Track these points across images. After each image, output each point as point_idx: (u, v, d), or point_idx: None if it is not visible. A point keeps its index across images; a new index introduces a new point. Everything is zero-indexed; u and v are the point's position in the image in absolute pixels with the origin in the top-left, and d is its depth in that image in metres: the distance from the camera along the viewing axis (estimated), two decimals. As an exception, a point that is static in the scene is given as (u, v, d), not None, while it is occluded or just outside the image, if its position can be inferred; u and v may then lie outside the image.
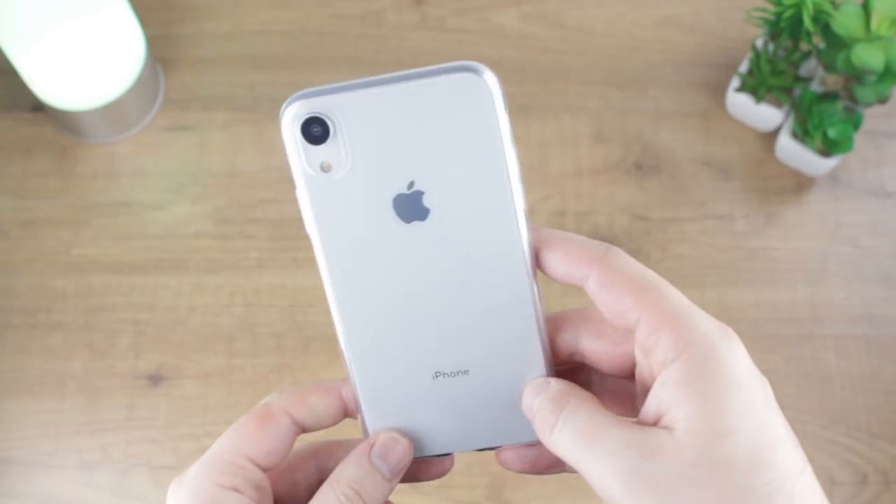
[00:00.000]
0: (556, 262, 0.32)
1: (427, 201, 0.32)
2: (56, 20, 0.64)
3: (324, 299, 0.34)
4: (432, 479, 0.37)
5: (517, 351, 0.34)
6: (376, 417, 0.34)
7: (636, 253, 0.70)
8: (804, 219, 0.72)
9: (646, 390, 0.31)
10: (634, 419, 0.31)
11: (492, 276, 0.33)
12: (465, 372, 0.34)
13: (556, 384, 0.32)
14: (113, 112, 0.72)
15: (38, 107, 0.75)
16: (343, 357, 0.34)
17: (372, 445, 0.34)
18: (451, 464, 0.36)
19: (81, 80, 0.69)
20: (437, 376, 0.34)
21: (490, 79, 0.31)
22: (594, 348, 0.33)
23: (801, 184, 0.73)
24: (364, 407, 0.34)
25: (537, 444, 0.34)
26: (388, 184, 0.32)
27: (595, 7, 0.79)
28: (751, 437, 0.28)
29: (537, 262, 0.33)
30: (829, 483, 0.64)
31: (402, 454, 0.34)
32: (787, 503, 0.28)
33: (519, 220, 0.32)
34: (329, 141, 0.32)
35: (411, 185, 0.32)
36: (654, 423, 0.30)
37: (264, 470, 0.33)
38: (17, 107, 0.76)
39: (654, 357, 0.30)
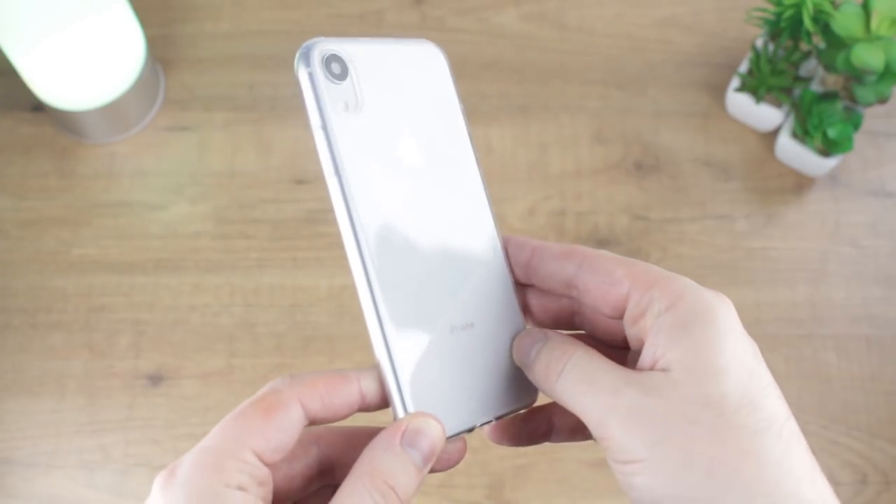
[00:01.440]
0: (542, 264, 0.34)
1: (419, 149, 0.34)
2: (56, 21, 0.64)
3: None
4: (451, 466, 0.34)
5: (501, 304, 0.35)
6: (415, 392, 0.32)
7: (636, 253, 0.70)
8: (804, 219, 0.72)
9: (637, 358, 0.32)
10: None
11: (470, 229, 0.34)
12: (471, 325, 0.34)
13: (556, 335, 0.33)
14: (113, 112, 0.72)
15: (38, 107, 0.75)
16: (373, 309, 0.32)
17: (404, 431, 0.30)
18: (466, 448, 0.34)
19: (81, 80, 0.69)
20: (452, 331, 0.33)
21: (442, 52, 0.35)
22: (588, 280, 0.33)
23: (801, 184, 0.73)
24: (401, 379, 0.31)
25: (527, 409, 0.34)
26: (390, 129, 0.33)
27: (595, 7, 0.79)
28: (742, 379, 0.29)
29: (523, 271, 0.35)
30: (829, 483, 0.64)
31: (435, 439, 0.31)
32: (774, 441, 0.29)
33: (480, 176, 0.35)
34: (346, 80, 0.34)
35: (406, 132, 0.34)
36: (652, 365, 0.30)
37: (269, 466, 0.29)
38: (17, 107, 0.76)
39: (648, 316, 0.31)
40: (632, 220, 0.72)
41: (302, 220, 0.72)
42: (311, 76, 0.34)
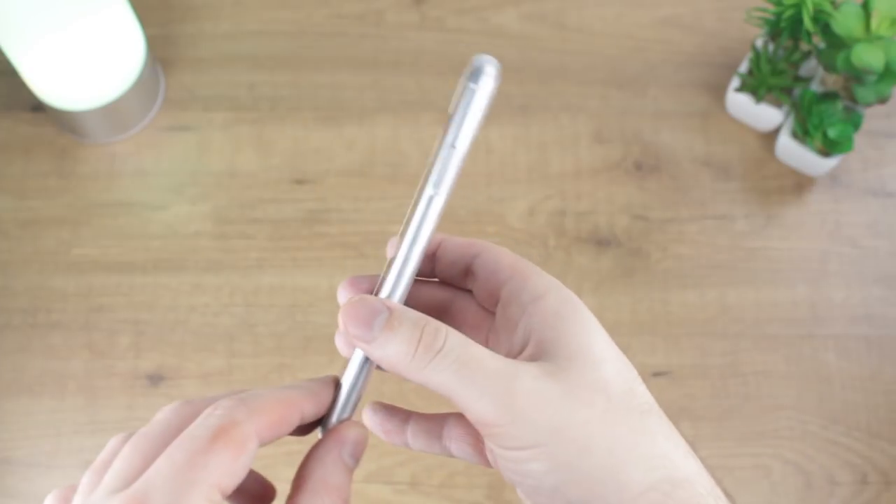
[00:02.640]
0: (447, 252, 0.35)
1: None
2: (56, 20, 0.64)
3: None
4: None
5: None
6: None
7: (636, 253, 0.70)
8: (804, 219, 0.72)
9: (499, 343, 0.33)
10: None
11: None
12: None
13: (404, 308, 0.32)
14: (113, 112, 0.72)
15: (38, 107, 0.75)
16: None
17: (345, 443, 0.32)
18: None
19: (81, 80, 0.69)
20: None
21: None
22: (480, 266, 0.34)
23: (801, 184, 0.73)
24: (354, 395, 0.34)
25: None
26: None
27: (595, 7, 0.79)
28: (618, 367, 0.31)
29: (429, 260, 0.35)
30: (829, 483, 0.64)
31: (363, 446, 0.33)
32: (658, 421, 0.31)
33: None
34: None
35: None
36: (521, 352, 0.32)
37: (224, 497, 0.29)
38: (17, 107, 0.76)
39: (524, 300, 0.32)
40: (632, 220, 0.72)
41: (302, 220, 0.72)
42: (485, 91, 0.32)
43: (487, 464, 0.36)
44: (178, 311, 0.69)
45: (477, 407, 0.30)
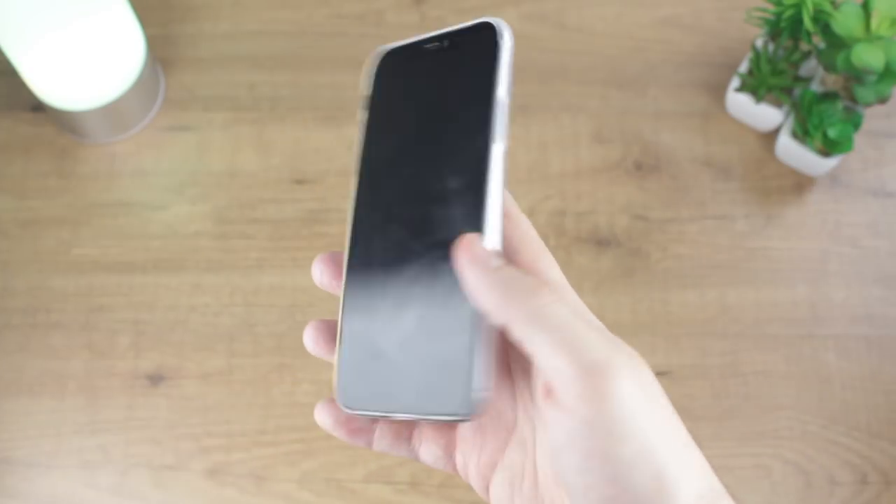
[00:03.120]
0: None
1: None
2: (56, 20, 0.64)
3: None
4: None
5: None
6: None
7: (636, 253, 0.70)
8: (804, 219, 0.72)
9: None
10: None
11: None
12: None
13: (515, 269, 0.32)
14: (113, 112, 0.72)
15: (38, 107, 0.75)
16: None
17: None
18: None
19: (81, 80, 0.69)
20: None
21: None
22: None
23: (801, 184, 0.73)
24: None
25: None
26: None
27: (595, 7, 0.79)
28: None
29: None
30: (829, 483, 0.64)
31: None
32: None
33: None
34: None
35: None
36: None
37: None
38: (17, 107, 0.76)
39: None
40: (632, 220, 0.72)
41: (302, 220, 0.72)
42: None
43: (455, 469, 0.36)
44: (178, 311, 0.69)
45: (570, 365, 0.29)
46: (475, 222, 0.32)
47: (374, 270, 0.35)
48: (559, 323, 0.30)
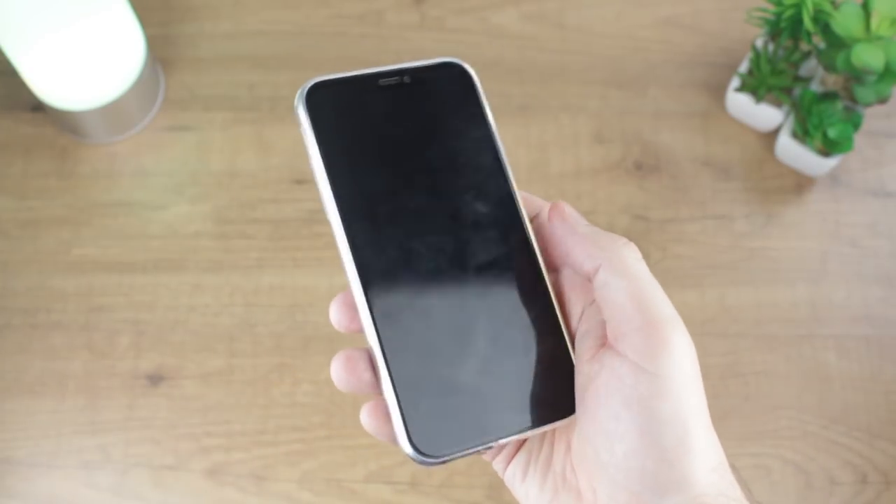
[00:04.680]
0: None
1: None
2: (56, 21, 0.64)
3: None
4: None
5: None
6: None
7: (636, 253, 0.71)
8: (804, 219, 0.72)
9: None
10: None
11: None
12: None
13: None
14: (113, 112, 0.72)
15: (38, 107, 0.75)
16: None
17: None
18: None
19: (81, 80, 0.69)
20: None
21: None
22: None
23: (801, 184, 0.73)
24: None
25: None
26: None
27: (595, 7, 0.79)
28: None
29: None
30: (829, 483, 0.64)
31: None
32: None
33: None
34: None
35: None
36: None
37: None
38: (17, 107, 0.76)
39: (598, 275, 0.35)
40: (632, 220, 0.72)
41: (302, 220, 0.72)
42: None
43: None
44: (178, 311, 0.69)
45: (639, 311, 0.32)
46: (520, 232, 0.35)
47: (410, 309, 0.33)
48: (640, 276, 0.33)
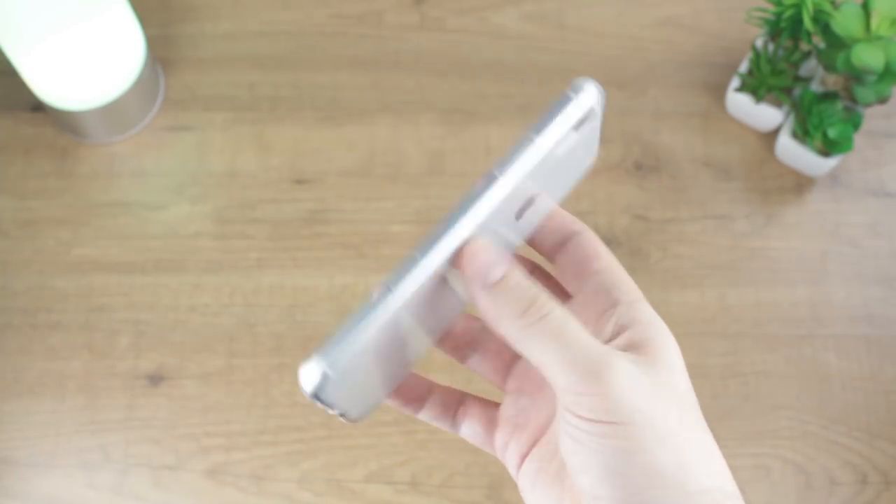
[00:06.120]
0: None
1: None
2: (56, 21, 0.64)
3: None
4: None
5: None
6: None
7: (636, 253, 0.70)
8: (804, 219, 0.72)
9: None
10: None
11: None
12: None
13: (520, 270, 0.32)
14: (113, 112, 0.72)
15: (38, 107, 0.75)
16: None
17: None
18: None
19: (81, 80, 0.69)
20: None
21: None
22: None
23: (801, 184, 0.73)
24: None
25: None
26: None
27: (595, 7, 0.79)
28: (688, 381, 0.33)
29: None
30: (829, 483, 0.64)
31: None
32: (712, 438, 0.33)
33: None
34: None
35: None
36: (609, 341, 0.33)
37: None
38: (17, 107, 0.76)
39: (609, 296, 0.34)
40: (632, 220, 0.72)
41: (302, 220, 0.72)
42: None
43: (492, 448, 0.37)
44: (178, 311, 0.69)
45: (568, 373, 0.30)
46: None
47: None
48: (549, 335, 0.31)
